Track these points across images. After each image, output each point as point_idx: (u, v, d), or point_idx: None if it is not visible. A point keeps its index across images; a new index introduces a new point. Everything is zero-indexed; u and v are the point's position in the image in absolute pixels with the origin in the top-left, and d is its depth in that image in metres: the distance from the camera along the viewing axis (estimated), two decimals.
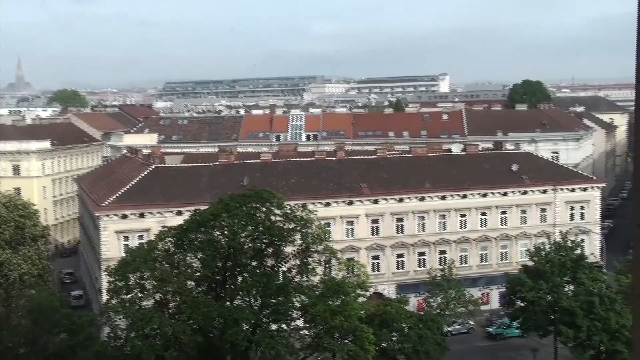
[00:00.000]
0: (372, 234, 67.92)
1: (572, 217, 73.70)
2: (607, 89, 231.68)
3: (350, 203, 67.04)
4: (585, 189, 74.48)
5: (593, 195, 75.08)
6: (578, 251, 58.00)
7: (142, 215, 62.21)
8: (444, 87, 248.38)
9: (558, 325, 51.42)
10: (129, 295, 40.07)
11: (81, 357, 39.81)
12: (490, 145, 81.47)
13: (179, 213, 59.40)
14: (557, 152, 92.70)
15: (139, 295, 40.37)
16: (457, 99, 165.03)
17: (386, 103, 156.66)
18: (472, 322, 62.81)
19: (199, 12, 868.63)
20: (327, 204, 65.63)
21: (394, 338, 45.80)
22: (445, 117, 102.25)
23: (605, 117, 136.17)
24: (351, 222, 67.32)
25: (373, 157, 73.09)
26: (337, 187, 67.81)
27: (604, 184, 79.73)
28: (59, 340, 43.99)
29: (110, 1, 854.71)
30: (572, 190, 73.56)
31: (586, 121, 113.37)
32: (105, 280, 46.58)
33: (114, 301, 39.88)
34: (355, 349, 40.29)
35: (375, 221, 68.00)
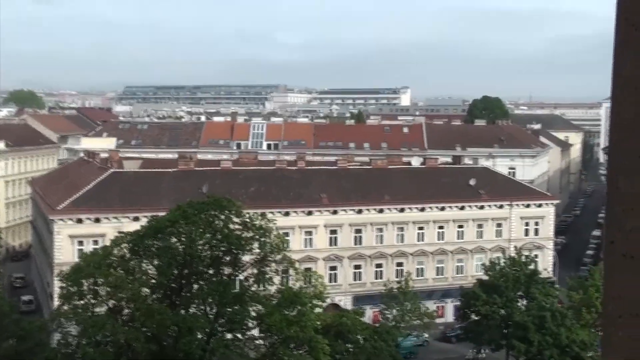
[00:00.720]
0: (330, 245, 68.05)
1: (526, 232, 74.91)
2: (562, 108, 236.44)
3: (310, 213, 67.08)
4: (540, 205, 75.81)
5: (547, 212, 76.46)
6: (532, 266, 58.94)
7: (97, 220, 61.30)
8: (405, 100, 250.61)
9: (511, 339, 52.12)
10: (82, 302, 39.38)
11: None
12: (449, 160, 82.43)
13: (136, 219, 58.74)
14: (513, 168, 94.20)
15: (92, 301, 39.72)
16: (417, 113, 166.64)
17: (348, 114, 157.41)
18: (426, 335, 63.23)
19: (161, 17, 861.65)
20: (287, 214, 65.57)
21: (349, 349, 45.82)
22: (405, 130, 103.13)
23: (561, 135, 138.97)
24: (310, 233, 67.35)
25: (333, 167, 73.34)
26: (297, 197, 67.82)
27: (558, 201, 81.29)
28: (7, 346, 42.92)
29: (71, 2, 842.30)
30: (528, 206, 74.81)
31: (542, 138, 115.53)
32: (57, 285, 45.74)
33: (65, 307, 39.15)
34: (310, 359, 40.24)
35: (333, 232, 68.16)
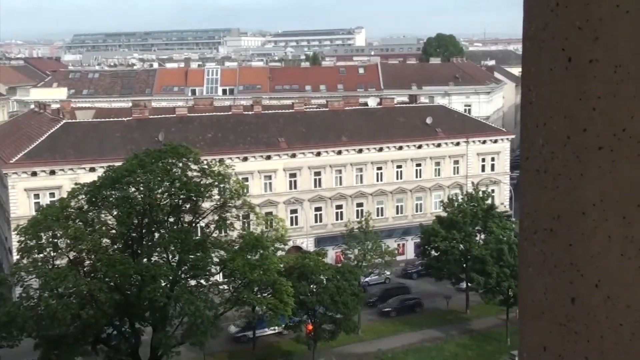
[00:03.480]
0: (290, 188, 68.26)
1: (483, 168, 76.09)
2: (516, 43, 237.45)
3: (268, 157, 66.99)
4: (495, 141, 76.87)
5: (503, 147, 77.64)
6: (489, 201, 60.11)
7: (52, 173, 60.35)
8: (360, 40, 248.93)
9: (470, 272, 53.48)
10: (41, 255, 39.16)
11: None
12: (405, 99, 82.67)
13: (92, 170, 57.98)
14: (469, 105, 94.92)
15: (52, 254, 39.52)
16: (372, 53, 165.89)
17: (303, 57, 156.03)
18: (388, 273, 64.43)
19: None
20: (245, 159, 65.39)
21: (313, 290, 46.54)
22: (361, 70, 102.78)
23: (515, 71, 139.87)
24: (269, 177, 67.37)
25: (290, 111, 72.98)
26: (255, 142, 67.53)
27: (513, 136, 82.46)
28: None
29: None
30: (484, 142, 75.78)
31: (497, 74, 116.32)
32: (15, 239, 45.19)
33: (25, 261, 38.88)
34: (275, 302, 40.83)
35: (293, 175, 68.28)
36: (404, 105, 79.37)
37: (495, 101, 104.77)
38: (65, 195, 44.94)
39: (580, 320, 1.84)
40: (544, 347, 1.94)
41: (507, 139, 79.05)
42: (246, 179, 60.49)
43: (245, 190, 45.51)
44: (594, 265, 1.80)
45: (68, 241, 38.82)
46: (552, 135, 1.87)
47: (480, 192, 60.27)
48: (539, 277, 1.94)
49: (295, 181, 68.38)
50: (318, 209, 69.81)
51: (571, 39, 1.81)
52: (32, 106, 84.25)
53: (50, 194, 59.08)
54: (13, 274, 40.61)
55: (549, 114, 1.87)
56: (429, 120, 73.97)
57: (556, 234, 1.89)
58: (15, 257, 44.25)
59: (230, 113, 70.96)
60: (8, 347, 41.98)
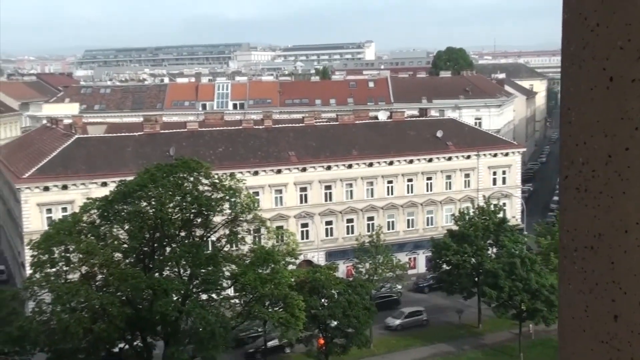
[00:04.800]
0: (301, 202, 68.25)
1: (494, 181, 75.87)
2: (527, 56, 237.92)
3: (279, 172, 67.06)
4: (506, 154, 76.68)
5: (514, 160, 77.44)
6: (500, 215, 59.85)
7: (65, 187, 60.63)
8: (369, 54, 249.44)
9: (482, 286, 53.18)
10: (54, 269, 39.25)
11: (4, 332, 38.77)
12: (415, 112, 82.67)
13: (104, 184, 58.27)
14: (479, 118, 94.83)
15: (64, 268, 39.61)
16: (382, 67, 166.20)
17: (312, 71, 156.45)
18: (399, 287, 64.17)
19: None
20: (256, 173, 65.49)
21: (324, 304, 46.40)
22: (371, 84, 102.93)
23: (526, 84, 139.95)
24: (280, 191, 67.42)
25: (300, 125, 73.14)
26: (265, 156, 67.67)
27: (524, 149, 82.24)
28: None
29: None
30: (495, 155, 75.61)
31: (507, 87, 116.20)
32: (28, 254, 45.41)
33: (37, 275, 38.96)
34: (286, 316, 40.73)
35: (303, 189, 68.31)
36: (414, 118, 79.36)
37: (505, 114, 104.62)
38: (77, 210, 45.09)
39: (624, 338, 1.84)
40: None
41: (518, 152, 78.86)
42: (257, 193, 60.56)
43: (256, 204, 45.52)
44: (638, 283, 1.80)
45: (80, 255, 38.91)
46: (592, 154, 1.88)
47: (492, 206, 60.05)
48: (580, 295, 1.95)
49: (305, 195, 68.39)
50: (329, 222, 69.75)
51: (613, 59, 1.82)
52: (45, 121, 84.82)
53: (62, 208, 59.31)
54: (26, 288, 40.74)
55: (590, 132, 1.88)
56: (439, 134, 73.90)
57: (597, 252, 1.89)
58: (28, 271, 44.41)
59: (240, 127, 71.16)
60: None
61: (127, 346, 41.61)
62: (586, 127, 1.89)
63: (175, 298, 39.67)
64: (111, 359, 41.10)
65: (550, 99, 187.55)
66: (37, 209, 59.91)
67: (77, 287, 37.34)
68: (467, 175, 74.70)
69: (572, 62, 1.93)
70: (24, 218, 59.84)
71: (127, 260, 40.81)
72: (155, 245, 41.59)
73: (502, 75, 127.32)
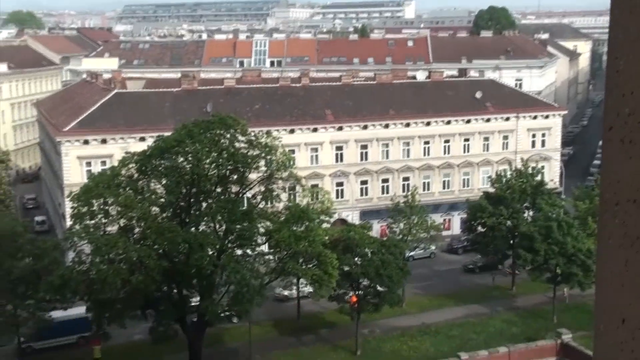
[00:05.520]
0: (337, 161, 68.23)
1: (533, 144, 74.78)
2: (571, 16, 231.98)
3: (315, 130, 66.99)
4: (547, 117, 75.41)
5: (555, 123, 76.13)
6: (538, 178, 59.17)
7: (104, 141, 61.48)
8: (409, 13, 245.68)
9: (517, 249, 52.91)
10: (93, 221, 40.05)
11: (46, 281, 39.90)
12: (454, 73, 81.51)
13: (142, 139, 58.85)
14: (520, 80, 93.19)
15: (103, 221, 40.40)
16: (422, 25, 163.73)
17: (351, 29, 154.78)
18: (433, 247, 64.20)
19: None
20: (292, 131, 65.52)
21: (358, 263, 46.64)
22: (410, 43, 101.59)
23: (569, 45, 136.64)
24: (315, 149, 67.44)
25: (337, 84, 72.68)
26: (302, 114, 67.58)
27: (565, 112, 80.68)
28: (23, 264, 43.94)
29: None
30: (534, 117, 74.41)
31: (550, 48, 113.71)
32: (68, 206, 46.37)
33: (77, 227, 39.82)
34: (319, 273, 41.10)
35: (339, 148, 68.22)
36: (453, 79, 78.30)
37: (547, 76, 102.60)
38: (116, 164, 45.77)
39: None
40: (623, 319, 1.90)
41: (559, 114, 77.46)
42: (293, 151, 60.66)
43: (291, 162, 45.61)
44: None
45: (119, 209, 39.62)
46: None
47: (530, 168, 59.33)
48: (620, 250, 1.90)
49: (341, 154, 68.32)
50: (364, 182, 69.73)
51: None
52: (84, 75, 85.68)
53: (101, 162, 60.25)
54: (66, 239, 41.74)
55: (638, 82, 1.81)
56: (478, 95, 72.88)
57: None
58: (69, 222, 45.41)
59: (277, 85, 71.04)
60: (62, 309, 43.43)
61: (163, 298, 42.49)
62: (635, 76, 1.82)
63: (210, 252, 40.26)
64: (148, 310, 42.02)
65: (595, 60, 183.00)
66: (77, 161, 60.94)
67: (116, 239, 38.12)
68: (505, 137, 73.74)
69: (622, 8, 1.85)
70: (65, 170, 60.96)
71: (164, 215, 41.44)
72: (192, 200, 42.10)
73: (545, 36, 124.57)
